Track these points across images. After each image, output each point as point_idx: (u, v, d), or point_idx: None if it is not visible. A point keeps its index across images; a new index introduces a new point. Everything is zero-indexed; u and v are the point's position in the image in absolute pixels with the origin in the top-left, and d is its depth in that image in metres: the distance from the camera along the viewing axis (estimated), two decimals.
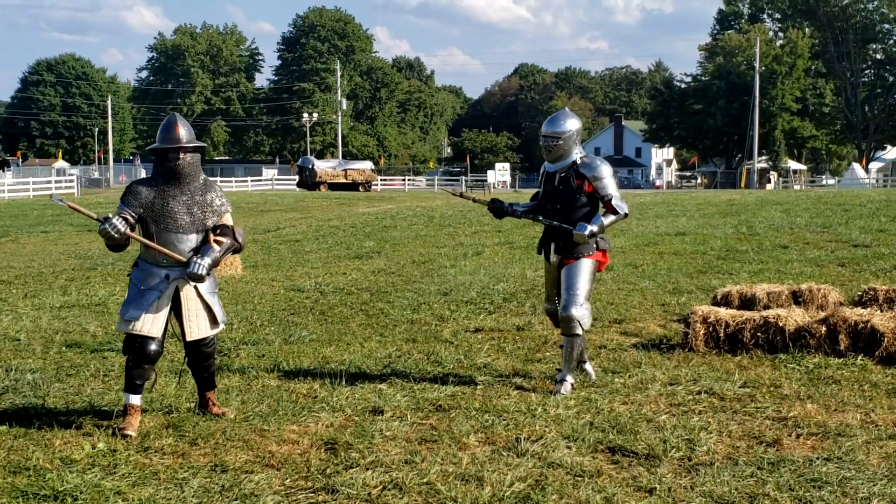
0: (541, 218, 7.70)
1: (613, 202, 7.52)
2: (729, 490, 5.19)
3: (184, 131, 6.62)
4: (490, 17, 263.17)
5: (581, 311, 7.40)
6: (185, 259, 6.51)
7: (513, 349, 9.04)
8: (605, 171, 7.55)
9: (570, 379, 7.48)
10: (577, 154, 7.57)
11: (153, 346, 6.47)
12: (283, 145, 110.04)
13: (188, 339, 6.63)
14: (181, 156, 6.57)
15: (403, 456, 5.86)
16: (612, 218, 7.56)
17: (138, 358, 6.45)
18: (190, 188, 6.62)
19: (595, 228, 7.45)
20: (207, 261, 6.50)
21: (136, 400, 6.48)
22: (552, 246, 7.63)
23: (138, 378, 6.48)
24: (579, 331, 7.43)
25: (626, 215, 7.62)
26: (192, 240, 6.60)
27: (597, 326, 10.30)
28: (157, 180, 6.62)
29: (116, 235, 6.43)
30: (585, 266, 7.49)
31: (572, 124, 7.59)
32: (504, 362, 8.44)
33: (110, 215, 6.48)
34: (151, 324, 6.46)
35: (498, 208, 7.84)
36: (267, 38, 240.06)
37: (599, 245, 7.55)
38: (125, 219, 6.47)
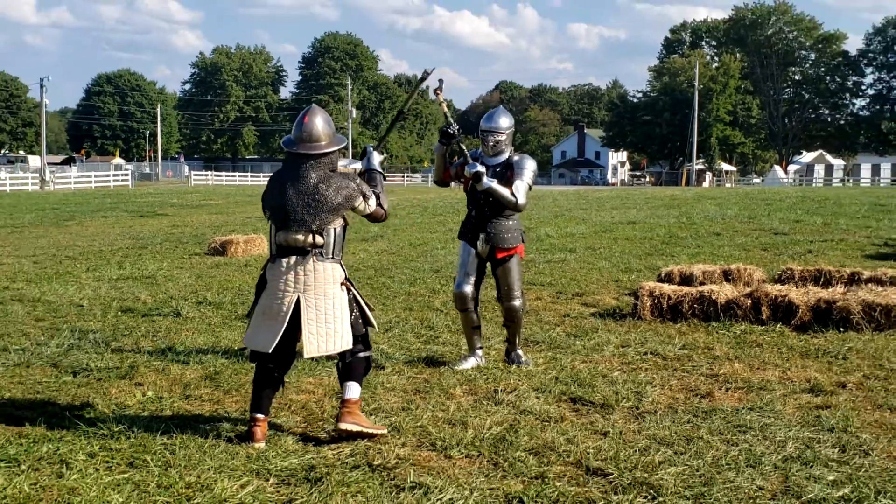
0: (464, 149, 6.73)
1: (518, 183, 6.67)
2: (670, 433, 5.20)
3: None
4: (475, 41, 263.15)
5: (521, 300, 7.03)
6: None
7: (493, 316, 9.02)
8: (530, 165, 6.76)
9: (521, 352, 7.13)
10: (510, 151, 6.89)
11: None
12: None
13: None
14: None
15: (401, 404, 5.85)
16: (504, 191, 6.63)
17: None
18: None
19: (484, 177, 6.58)
20: None
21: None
22: (481, 236, 6.84)
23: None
24: (521, 314, 7.06)
25: (515, 204, 6.64)
26: None
27: (561, 298, 10.31)
28: None
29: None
30: (516, 262, 6.94)
31: (510, 122, 6.88)
32: (485, 327, 8.40)
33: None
34: None
35: (448, 133, 6.67)
36: (290, 58, 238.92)
37: (523, 238, 6.99)
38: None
